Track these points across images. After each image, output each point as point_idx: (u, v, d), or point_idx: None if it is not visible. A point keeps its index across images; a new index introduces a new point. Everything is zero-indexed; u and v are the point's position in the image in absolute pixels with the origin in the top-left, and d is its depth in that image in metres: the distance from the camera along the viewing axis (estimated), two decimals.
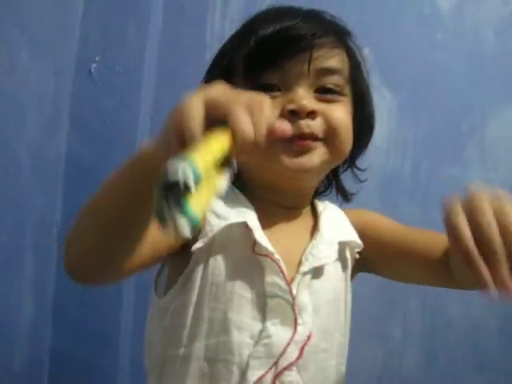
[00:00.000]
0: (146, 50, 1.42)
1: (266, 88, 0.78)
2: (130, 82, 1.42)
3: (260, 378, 0.74)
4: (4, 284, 1.27)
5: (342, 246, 0.85)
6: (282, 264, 0.76)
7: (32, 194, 1.34)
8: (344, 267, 0.86)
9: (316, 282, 0.80)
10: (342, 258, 0.85)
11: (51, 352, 1.42)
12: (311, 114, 0.77)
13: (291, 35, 0.78)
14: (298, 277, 0.78)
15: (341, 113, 0.81)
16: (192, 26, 1.45)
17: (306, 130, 0.77)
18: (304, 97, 0.77)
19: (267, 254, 0.76)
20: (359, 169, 0.94)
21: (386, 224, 0.90)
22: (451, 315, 1.44)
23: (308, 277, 0.79)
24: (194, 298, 0.76)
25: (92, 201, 0.65)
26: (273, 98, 0.77)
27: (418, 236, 0.85)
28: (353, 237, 0.86)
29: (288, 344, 0.75)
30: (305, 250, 0.81)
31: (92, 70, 1.43)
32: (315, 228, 0.85)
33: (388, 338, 1.43)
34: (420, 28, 1.48)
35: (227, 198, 0.80)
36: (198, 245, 0.75)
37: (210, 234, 0.76)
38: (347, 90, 0.83)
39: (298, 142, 0.77)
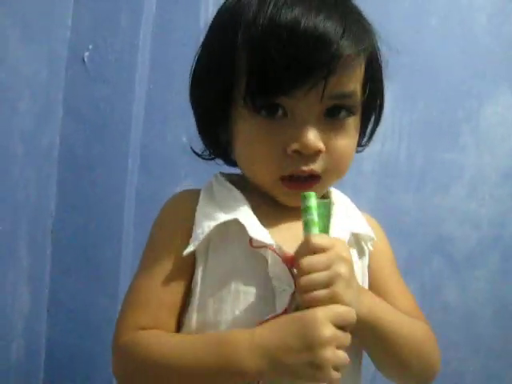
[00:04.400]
0: (139, 38, 1.41)
1: (271, 109, 0.72)
2: (124, 69, 1.41)
3: None
4: None
5: (356, 237, 0.82)
6: (284, 252, 0.72)
7: (26, 184, 1.32)
8: (361, 254, 0.83)
9: None
10: (357, 246, 0.82)
11: (47, 343, 1.42)
12: (317, 153, 0.73)
13: (308, 60, 0.67)
14: None
15: (346, 142, 0.76)
16: (185, 13, 1.44)
17: (305, 169, 0.73)
18: (311, 135, 0.71)
19: (266, 246, 0.72)
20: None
21: (388, 285, 0.86)
22: (448, 300, 1.45)
23: None
24: (196, 302, 0.74)
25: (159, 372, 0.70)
26: (277, 124, 0.72)
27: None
28: (365, 230, 0.82)
29: None
30: None
31: (85, 59, 1.41)
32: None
33: None
34: (414, 13, 1.47)
35: (219, 196, 0.78)
36: (189, 249, 0.73)
37: (201, 237, 0.74)
38: (359, 105, 0.76)
39: (295, 186, 0.75)
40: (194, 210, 0.77)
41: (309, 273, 0.65)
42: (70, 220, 1.41)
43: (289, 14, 0.68)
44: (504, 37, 1.47)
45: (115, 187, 1.41)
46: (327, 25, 0.68)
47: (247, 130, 0.74)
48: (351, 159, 0.79)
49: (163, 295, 0.74)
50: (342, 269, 0.66)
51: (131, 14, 1.41)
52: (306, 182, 0.75)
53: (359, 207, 0.87)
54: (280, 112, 0.72)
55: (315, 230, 0.69)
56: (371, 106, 0.81)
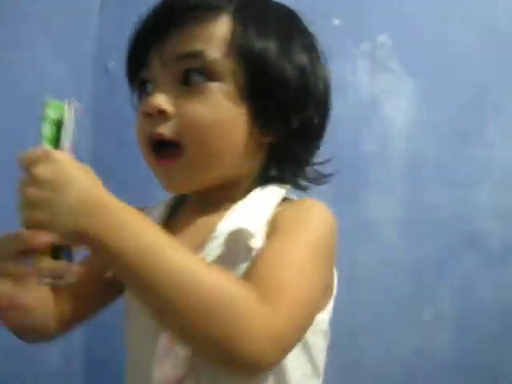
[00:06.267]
0: None
1: (144, 84, 0.76)
2: None
3: None
4: None
5: (232, 237, 0.69)
6: None
7: None
8: (232, 264, 0.69)
9: None
10: (229, 252, 0.69)
11: (85, 351, 1.44)
12: (162, 114, 0.71)
13: (152, 25, 0.74)
14: None
15: (202, 108, 0.70)
16: None
17: (154, 131, 0.72)
18: (156, 96, 0.71)
19: None
20: (318, 163, 0.82)
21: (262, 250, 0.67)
22: (481, 296, 1.43)
23: None
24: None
25: None
26: (146, 96, 0.75)
27: None
28: (254, 227, 0.68)
29: None
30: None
31: (109, 67, 1.43)
32: None
33: (419, 321, 1.43)
34: (436, 12, 1.47)
35: (150, 215, 0.79)
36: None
37: None
38: (215, 68, 0.71)
39: (159, 163, 0.75)
40: None
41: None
42: None
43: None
44: None
45: (143, 194, 1.41)
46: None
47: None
48: (216, 129, 0.71)
49: None
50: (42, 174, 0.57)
51: None
52: (169, 156, 0.73)
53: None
54: (150, 88, 0.74)
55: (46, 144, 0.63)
56: (260, 86, 0.72)
